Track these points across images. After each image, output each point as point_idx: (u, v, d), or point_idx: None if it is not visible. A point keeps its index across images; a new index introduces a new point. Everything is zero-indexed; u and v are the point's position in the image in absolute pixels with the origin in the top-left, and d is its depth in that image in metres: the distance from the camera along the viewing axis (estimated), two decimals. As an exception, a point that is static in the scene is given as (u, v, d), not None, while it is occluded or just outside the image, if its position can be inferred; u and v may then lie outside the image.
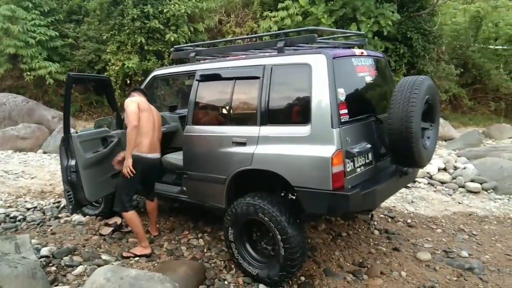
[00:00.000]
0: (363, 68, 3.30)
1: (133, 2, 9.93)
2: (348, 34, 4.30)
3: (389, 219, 4.53)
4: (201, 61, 3.98)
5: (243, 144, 3.26)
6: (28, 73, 10.66)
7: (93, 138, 3.83)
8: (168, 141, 4.80)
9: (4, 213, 4.70)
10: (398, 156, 3.17)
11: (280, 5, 9.56)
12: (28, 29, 10.73)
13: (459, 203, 5.19)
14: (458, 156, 6.67)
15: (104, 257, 3.61)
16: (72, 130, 3.70)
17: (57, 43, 11.22)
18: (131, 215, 3.65)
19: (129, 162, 3.46)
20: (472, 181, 5.64)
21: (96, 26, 11.26)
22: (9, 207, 5.02)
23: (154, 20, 9.97)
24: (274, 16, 9.60)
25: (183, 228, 4.26)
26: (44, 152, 8.19)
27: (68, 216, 4.63)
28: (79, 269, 3.35)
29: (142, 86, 4.22)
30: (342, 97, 2.92)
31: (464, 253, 3.75)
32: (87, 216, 4.53)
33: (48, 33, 10.97)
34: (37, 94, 11.37)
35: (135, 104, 3.49)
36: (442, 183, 5.76)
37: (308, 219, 3.72)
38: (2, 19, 10.33)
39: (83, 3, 12.09)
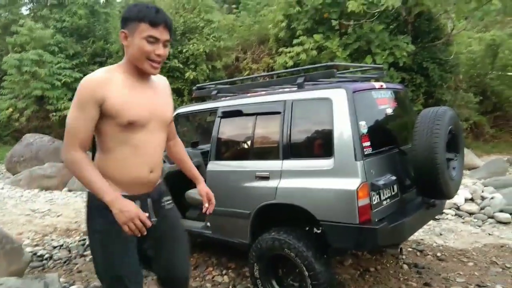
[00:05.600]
0: (383, 101, 3.33)
1: (154, 44, 10.35)
2: (365, 68, 4.37)
3: (418, 253, 4.40)
4: (223, 98, 4.09)
5: (266, 178, 3.28)
6: (54, 113, 11.09)
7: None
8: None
9: (31, 252, 4.77)
10: (425, 187, 3.13)
11: (295, 41, 9.79)
12: (54, 72, 11.27)
13: (490, 234, 5.01)
14: (485, 186, 6.50)
15: (129, 295, 3.59)
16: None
17: (81, 85, 11.71)
18: None
19: None
20: (501, 211, 5.46)
21: (119, 67, 11.73)
22: (36, 245, 5.09)
23: (174, 60, 10.34)
24: (290, 52, 9.82)
25: (207, 265, 4.23)
26: (69, 190, 8.35)
27: (93, 254, 4.66)
28: (106, 308, 3.34)
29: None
30: (364, 130, 2.94)
31: (499, 287, 3.59)
32: (111, 254, 4.54)
33: (73, 75, 11.50)
34: (63, 134, 11.70)
35: None
36: (470, 214, 5.59)
37: (334, 254, 3.65)
38: (30, 63, 10.89)
39: (106, 46, 12.66)
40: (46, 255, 4.70)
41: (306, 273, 2.96)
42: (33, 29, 11.24)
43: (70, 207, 6.97)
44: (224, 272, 4.04)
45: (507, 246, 4.61)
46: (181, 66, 10.41)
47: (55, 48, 11.71)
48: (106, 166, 1.75)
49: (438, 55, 9.99)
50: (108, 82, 1.70)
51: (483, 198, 5.84)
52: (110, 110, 1.68)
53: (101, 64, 12.46)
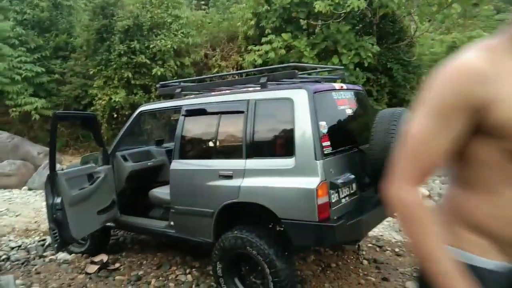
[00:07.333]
0: (343, 101, 3.41)
1: (120, 39, 10.11)
2: (328, 69, 4.46)
3: (378, 248, 4.55)
4: (187, 96, 4.07)
5: (229, 177, 3.30)
6: (14, 109, 10.65)
7: (79, 174, 3.83)
8: (155, 175, 4.82)
9: (-13, 254, 4.59)
10: (381, 185, 3.23)
11: (263, 39, 9.83)
12: (14, 66, 10.80)
13: (445, 229, 5.24)
14: (442, 183, 6.78)
15: (90, 296, 3.54)
16: (58, 167, 3.70)
17: (43, 79, 11.28)
18: None
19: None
20: (456, 207, 5.71)
21: (83, 62, 11.38)
22: (-8, 247, 4.90)
23: (141, 55, 10.14)
24: (259, 50, 9.85)
25: (171, 264, 4.20)
26: (29, 189, 8.06)
27: (53, 255, 4.53)
28: (64, 310, 3.28)
29: (129, 122, 4.27)
30: (324, 130, 3.01)
31: (452, 280, 3.76)
32: (72, 254, 4.44)
33: (34, 69, 11.06)
34: (23, 130, 11.30)
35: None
36: (428, 210, 5.82)
37: (297, 251, 3.72)
38: (-12, 57, 10.41)
39: (70, 40, 12.26)
40: (3, 256, 4.53)
41: (268, 270, 3.01)
42: (-9, 21, 10.76)
43: (30, 207, 6.74)
44: (188, 271, 4.04)
45: (461, 240, 4.83)
46: (148, 62, 10.20)
47: (15, 41, 11.22)
48: (480, 213, 1.05)
49: (402, 56, 10.29)
50: (494, 75, 0.96)
51: (440, 195, 6.09)
52: (498, 125, 0.96)
53: (64, 58, 12.05)
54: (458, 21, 14.07)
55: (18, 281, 3.72)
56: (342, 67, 6.35)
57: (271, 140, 3.27)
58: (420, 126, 1.02)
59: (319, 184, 2.85)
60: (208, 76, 4.17)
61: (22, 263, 4.38)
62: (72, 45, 12.15)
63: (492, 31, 14.43)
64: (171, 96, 4.40)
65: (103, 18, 10.53)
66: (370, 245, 4.61)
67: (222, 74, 5.64)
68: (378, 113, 3.27)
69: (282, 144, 3.16)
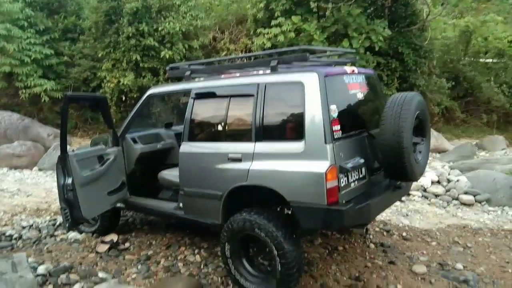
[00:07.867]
0: (354, 85, 3.38)
1: (128, 21, 10.04)
2: (339, 52, 4.40)
3: (385, 233, 4.57)
4: (196, 79, 4.06)
5: (238, 160, 3.31)
6: (24, 90, 10.69)
7: (90, 156, 3.87)
8: (164, 158, 4.85)
9: (0, 232, 4.69)
10: (391, 170, 3.23)
11: (273, 22, 9.72)
12: (23, 47, 10.79)
13: (453, 215, 5.24)
14: (451, 169, 6.75)
15: (100, 274, 3.61)
16: (68, 148, 3.74)
17: (52, 61, 11.28)
18: None
19: None
20: (465, 193, 5.70)
21: (92, 44, 11.35)
22: (5, 225, 5.01)
23: (149, 38, 10.08)
24: (268, 33, 9.74)
25: (180, 244, 4.27)
26: (40, 170, 8.18)
27: (64, 234, 4.62)
28: (76, 287, 3.36)
29: (138, 104, 4.28)
30: (335, 114, 2.99)
31: (459, 266, 3.78)
32: (83, 234, 4.53)
33: (43, 51, 11.04)
34: (32, 112, 11.38)
35: None
36: (436, 195, 5.82)
37: (304, 234, 3.75)
38: (-3, 38, 10.41)
39: (79, 22, 12.21)
40: (15, 235, 4.64)
41: (275, 252, 3.04)
42: (1, 3, 10.70)
43: (41, 187, 6.86)
44: (196, 251, 4.09)
45: (469, 226, 4.84)
46: (156, 45, 10.14)
47: (24, 22, 11.19)
48: None
49: (413, 40, 10.12)
50: None
51: (449, 181, 6.07)
52: None
53: (73, 40, 12.04)
54: (471, 5, 13.74)
55: (30, 259, 3.81)
56: (353, 50, 6.27)
57: (280, 124, 3.26)
58: None
59: (328, 168, 2.84)
60: (218, 59, 4.16)
61: (34, 242, 4.47)
62: (80, 27, 12.10)
63: (506, 16, 14.15)
64: (179, 79, 4.38)
65: (111, 0, 10.45)
66: (377, 229, 4.63)
67: (232, 57, 5.60)
68: (389, 97, 3.23)
69: (292, 128, 3.16)
